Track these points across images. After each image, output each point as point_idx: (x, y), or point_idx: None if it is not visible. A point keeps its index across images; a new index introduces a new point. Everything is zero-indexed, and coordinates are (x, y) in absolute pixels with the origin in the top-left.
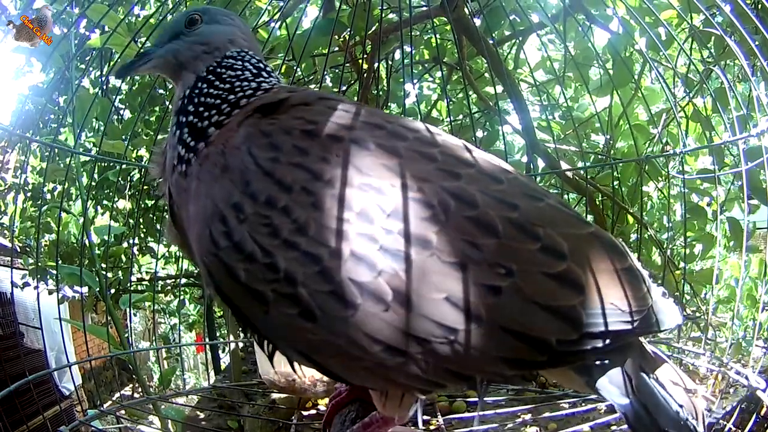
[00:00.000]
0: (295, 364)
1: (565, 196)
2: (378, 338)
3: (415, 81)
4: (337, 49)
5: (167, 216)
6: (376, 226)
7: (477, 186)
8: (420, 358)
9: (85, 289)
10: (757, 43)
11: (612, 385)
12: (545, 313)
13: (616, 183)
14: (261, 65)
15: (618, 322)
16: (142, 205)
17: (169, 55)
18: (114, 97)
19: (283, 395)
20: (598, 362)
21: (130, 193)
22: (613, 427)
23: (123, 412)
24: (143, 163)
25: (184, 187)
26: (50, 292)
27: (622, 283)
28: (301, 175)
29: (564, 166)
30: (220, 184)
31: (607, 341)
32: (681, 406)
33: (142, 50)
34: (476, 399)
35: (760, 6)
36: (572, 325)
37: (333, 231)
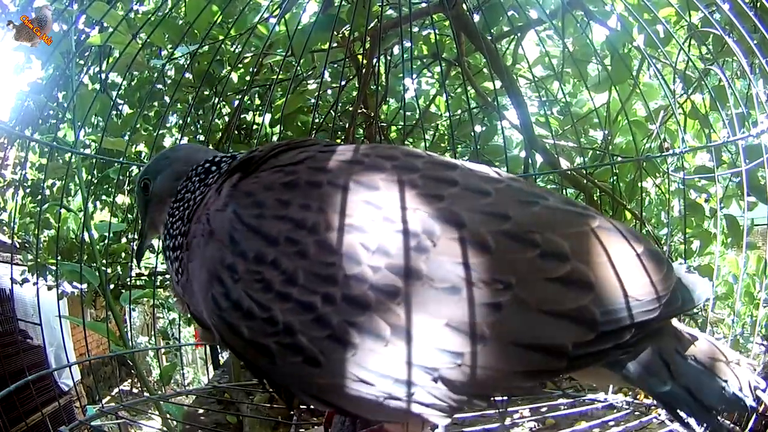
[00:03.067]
0: None
1: (563, 193)
2: (384, 374)
3: (413, 76)
4: (336, 45)
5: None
6: (363, 265)
7: (462, 204)
8: (431, 387)
9: (84, 285)
10: (755, 41)
11: (649, 375)
12: (554, 319)
13: (614, 179)
14: (206, 167)
15: (639, 311)
16: None
17: (151, 228)
18: (114, 93)
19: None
20: (626, 355)
21: (129, 188)
22: (611, 424)
23: (123, 411)
24: (143, 158)
25: (185, 284)
26: (50, 288)
27: (638, 269)
28: (285, 227)
29: (563, 162)
30: (211, 249)
31: (631, 333)
32: (726, 381)
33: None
34: None
35: (758, 4)
36: (587, 326)
37: (321, 277)
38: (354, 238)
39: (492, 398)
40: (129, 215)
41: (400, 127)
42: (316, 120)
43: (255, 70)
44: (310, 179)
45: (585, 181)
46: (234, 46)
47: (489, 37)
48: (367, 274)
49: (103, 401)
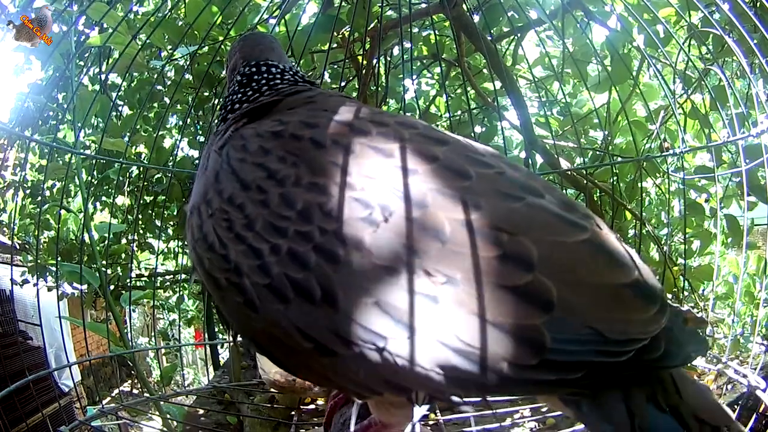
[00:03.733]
0: None
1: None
2: (309, 334)
3: (413, 77)
4: (335, 46)
5: None
6: (314, 225)
7: (433, 183)
8: (351, 361)
9: (84, 286)
10: (755, 41)
11: (607, 423)
12: (495, 331)
13: (614, 179)
14: (271, 72)
15: (600, 349)
16: (141, 202)
17: None
18: (114, 94)
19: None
20: (578, 396)
21: (129, 189)
22: None
23: (123, 411)
24: (143, 159)
25: None
26: (50, 289)
27: (616, 301)
28: (259, 174)
29: (563, 162)
30: (201, 182)
31: (582, 373)
32: None
33: None
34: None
35: (758, 4)
36: (531, 349)
37: (275, 228)
38: (312, 197)
39: (409, 392)
40: (129, 216)
41: None
42: None
43: None
44: (294, 132)
45: (585, 182)
46: None
47: (489, 38)
48: (314, 234)
49: (104, 402)
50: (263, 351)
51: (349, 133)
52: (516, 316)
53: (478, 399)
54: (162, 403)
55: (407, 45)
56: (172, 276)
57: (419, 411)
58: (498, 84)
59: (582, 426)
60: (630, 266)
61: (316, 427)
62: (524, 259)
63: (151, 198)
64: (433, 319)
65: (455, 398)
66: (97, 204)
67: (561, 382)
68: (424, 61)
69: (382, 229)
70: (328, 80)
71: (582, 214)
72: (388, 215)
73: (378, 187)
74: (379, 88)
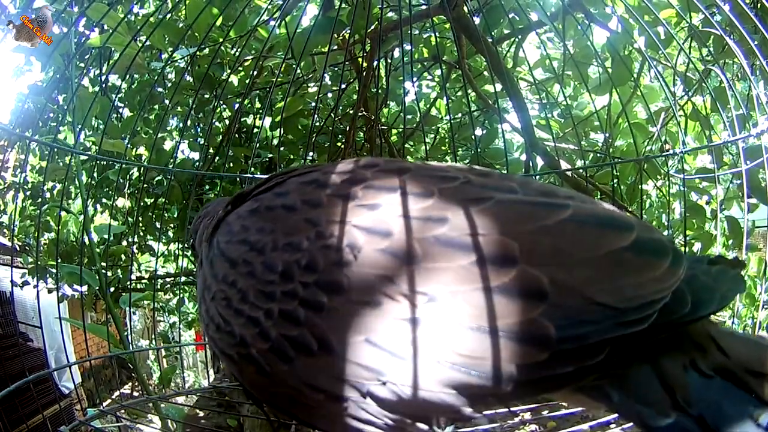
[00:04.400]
0: None
1: None
2: (317, 386)
3: (414, 79)
4: (336, 48)
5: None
6: (296, 282)
7: (396, 211)
8: (362, 402)
9: (84, 288)
10: (756, 42)
11: (642, 405)
12: (493, 335)
13: (615, 181)
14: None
15: (615, 322)
16: (141, 203)
17: None
18: (114, 95)
19: None
20: (605, 380)
21: (129, 191)
22: (613, 426)
23: (123, 411)
24: (143, 161)
25: None
26: (50, 291)
27: (618, 267)
28: (243, 249)
29: (563, 164)
30: (200, 275)
31: (604, 353)
32: (762, 404)
33: None
34: None
35: (759, 5)
36: (537, 344)
37: (265, 294)
38: (290, 256)
39: (429, 420)
40: (129, 218)
41: (400, 130)
42: (316, 123)
43: (255, 72)
44: (269, 204)
45: (586, 184)
46: (234, 49)
47: (490, 40)
48: (298, 290)
49: (104, 404)
50: (287, 413)
51: (315, 190)
52: (509, 314)
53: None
54: (162, 405)
55: (408, 47)
56: (172, 278)
57: None
58: (499, 86)
59: (582, 426)
60: (626, 227)
61: (316, 430)
62: (504, 255)
63: (152, 200)
64: (424, 341)
65: (476, 414)
66: (97, 206)
67: (583, 371)
68: (425, 63)
69: (355, 267)
70: (329, 82)
71: (563, 197)
72: (357, 253)
73: (344, 229)
74: (380, 91)
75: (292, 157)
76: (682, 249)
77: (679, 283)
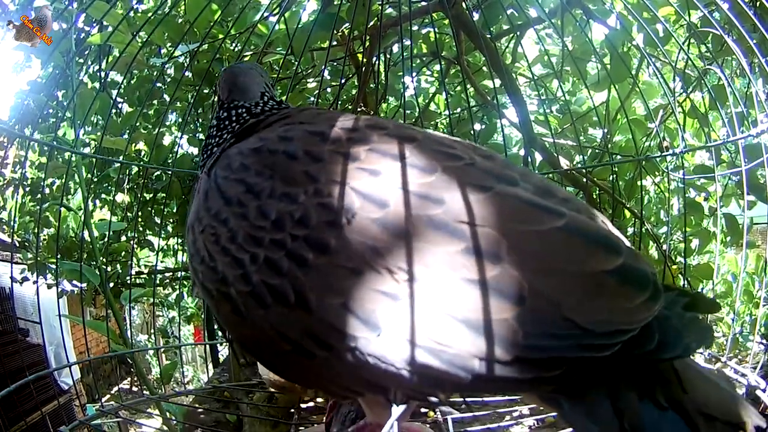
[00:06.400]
0: None
1: None
2: (287, 336)
3: (413, 75)
4: (335, 43)
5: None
6: (285, 232)
7: (397, 182)
8: (327, 362)
9: (84, 284)
10: (755, 40)
11: (591, 422)
12: (464, 327)
13: (613, 178)
14: (252, 104)
15: (581, 343)
16: (141, 199)
17: None
18: (114, 92)
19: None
20: (559, 394)
21: (129, 187)
22: None
23: (124, 411)
24: (142, 157)
25: None
26: (49, 287)
27: (597, 289)
28: (240, 189)
29: (562, 160)
30: (194, 203)
31: (562, 369)
32: None
33: None
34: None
35: (758, 4)
36: (503, 345)
37: (253, 238)
38: (284, 206)
39: (389, 392)
40: (129, 214)
41: None
42: None
43: None
44: (271, 147)
45: (584, 180)
46: (234, 45)
47: (488, 36)
48: (286, 241)
49: (103, 400)
50: (254, 354)
51: (320, 143)
52: (483, 310)
53: (468, 399)
54: (162, 402)
55: (407, 43)
56: (171, 273)
57: (397, 410)
58: (497, 82)
59: None
60: (614, 251)
61: (316, 425)
62: (491, 251)
63: (151, 195)
64: (398, 318)
65: (433, 398)
66: (97, 202)
67: (539, 380)
68: (424, 59)
69: (346, 231)
70: (328, 77)
71: (560, 199)
72: (350, 217)
73: (341, 191)
74: (379, 86)
75: None
76: (682, 245)
77: (651, 319)
